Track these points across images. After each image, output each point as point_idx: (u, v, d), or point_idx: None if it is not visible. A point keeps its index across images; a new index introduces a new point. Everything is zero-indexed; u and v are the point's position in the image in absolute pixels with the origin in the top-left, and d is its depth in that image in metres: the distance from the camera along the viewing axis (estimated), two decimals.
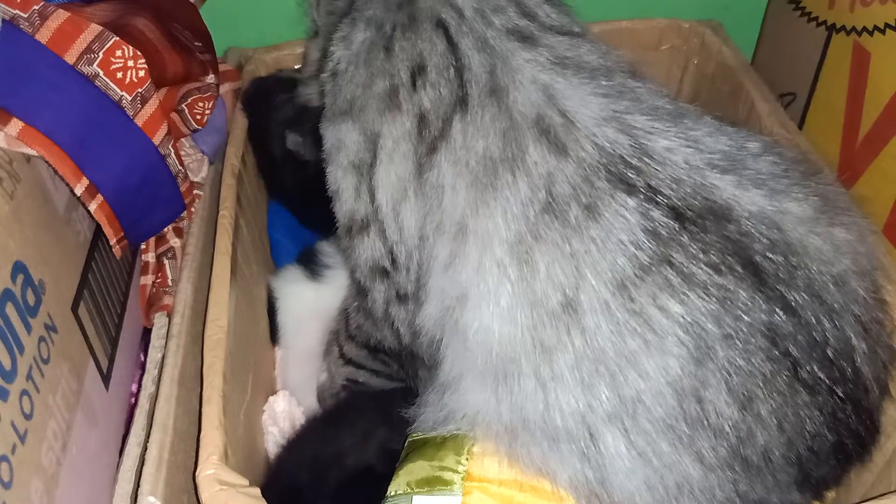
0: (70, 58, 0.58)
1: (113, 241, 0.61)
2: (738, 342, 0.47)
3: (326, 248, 0.84)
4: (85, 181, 0.58)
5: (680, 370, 0.47)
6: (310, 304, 0.82)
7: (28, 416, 0.48)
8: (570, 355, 0.49)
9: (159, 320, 0.68)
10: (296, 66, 0.92)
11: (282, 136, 0.85)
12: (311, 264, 0.84)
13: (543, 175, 0.51)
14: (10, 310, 0.48)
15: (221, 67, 0.84)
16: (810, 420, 0.49)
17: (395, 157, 0.57)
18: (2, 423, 0.45)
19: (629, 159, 0.50)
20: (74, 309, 0.58)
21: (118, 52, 0.59)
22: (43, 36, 0.57)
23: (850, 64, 0.80)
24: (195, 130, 0.77)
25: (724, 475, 0.49)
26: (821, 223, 0.50)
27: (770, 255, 0.48)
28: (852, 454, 0.52)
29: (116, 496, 0.57)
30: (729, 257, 0.47)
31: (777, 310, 0.47)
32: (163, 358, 0.63)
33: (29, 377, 0.49)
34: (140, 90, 0.61)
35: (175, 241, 0.72)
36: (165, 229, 0.72)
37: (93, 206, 0.59)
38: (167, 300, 0.69)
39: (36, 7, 0.56)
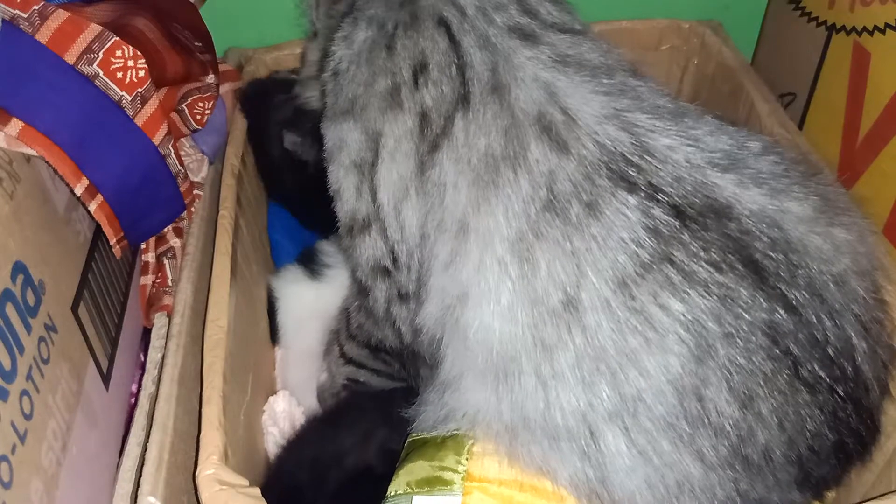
0: (70, 58, 0.58)
1: (113, 241, 0.61)
2: (738, 340, 0.47)
3: (327, 248, 0.84)
4: (85, 181, 0.58)
5: (681, 368, 0.47)
6: (310, 303, 0.82)
7: (28, 417, 0.48)
8: (570, 353, 0.49)
9: (159, 320, 0.68)
10: (295, 67, 0.91)
11: (280, 137, 0.85)
12: (311, 264, 0.84)
13: (545, 173, 0.51)
14: (10, 310, 0.48)
15: (221, 67, 0.84)
16: (811, 419, 0.49)
17: (396, 155, 0.57)
18: (2, 423, 0.45)
19: (630, 157, 0.50)
20: (74, 309, 0.58)
21: (118, 52, 0.59)
22: (43, 36, 0.57)
23: (850, 64, 0.80)
24: (195, 130, 0.76)
25: (725, 474, 0.49)
26: (821, 223, 0.51)
27: (771, 254, 0.48)
28: (853, 453, 0.52)
29: (116, 496, 0.57)
30: (730, 255, 0.48)
31: (778, 308, 0.47)
32: (163, 358, 0.63)
33: (29, 377, 0.49)
34: (140, 90, 0.61)
35: (175, 241, 0.72)
36: (165, 229, 0.72)
37: (93, 206, 0.59)
38: (167, 300, 0.69)
39: (36, 7, 0.56)
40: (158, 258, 0.72)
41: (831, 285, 0.49)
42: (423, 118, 0.55)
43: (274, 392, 0.79)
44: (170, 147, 0.65)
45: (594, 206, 0.49)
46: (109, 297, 0.66)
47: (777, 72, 0.94)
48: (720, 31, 0.98)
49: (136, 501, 0.54)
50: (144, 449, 0.57)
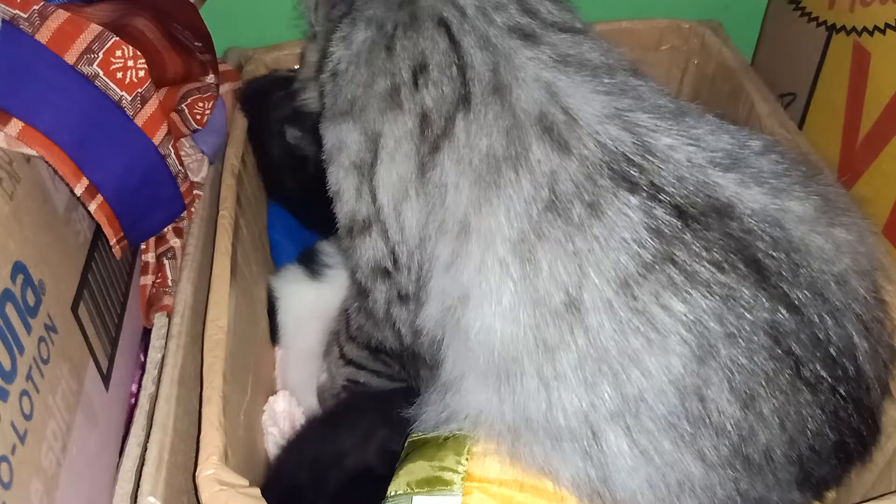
0: (70, 58, 0.57)
1: (113, 242, 0.61)
2: (740, 340, 0.47)
3: (327, 248, 0.84)
4: (85, 181, 0.58)
5: (682, 369, 0.47)
6: (310, 303, 0.82)
7: (28, 417, 0.48)
8: (573, 354, 0.49)
9: (159, 320, 0.68)
10: (295, 66, 0.91)
11: (281, 133, 0.84)
12: (311, 264, 0.84)
13: (546, 173, 0.51)
14: (9, 310, 0.48)
15: (221, 67, 0.84)
16: (812, 419, 0.49)
17: (396, 156, 0.57)
18: (2, 423, 0.45)
19: (632, 157, 0.50)
20: (74, 309, 0.58)
21: (118, 52, 0.59)
22: (43, 36, 0.57)
23: (851, 64, 0.80)
24: (195, 130, 0.76)
25: (726, 473, 0.49)
26: (822, 222, 0.51)
27: (772, 253, 0.48)
28: (853, 453, 0.52)
29: (116, 496, 0.57)
30: (731, 255, 0.47)
31: (780, 308, 0.47)
32: (163, 358, 0.63)
33: (29, 377, 0.49)
34: (140, 90, 0.61)
35: (175, 241, 0.72)
36: (165, 229, 0.72)
37: (93, 206, 0.59)
38: (167, 300, 0.69)
39: (36, 7, 0.56)
40: (158, 258, 0.72)
41: (833, 285, 0.49)
42: (424, 119, 0.55)
43: (274, 392, 0.79)
44: (170, 147, 0.65)
45: (596, 207, 0.49)
46: (109, 297, 0.66)
47: (777, 72, 0.95)
48: (720, 31, 0.98)
49: (136, 501, 0.54)
50: (144, 449, 0.57)
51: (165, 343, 0.64)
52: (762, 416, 0.48)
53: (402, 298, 0.61)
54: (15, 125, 0.54)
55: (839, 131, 0.82)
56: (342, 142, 0.61)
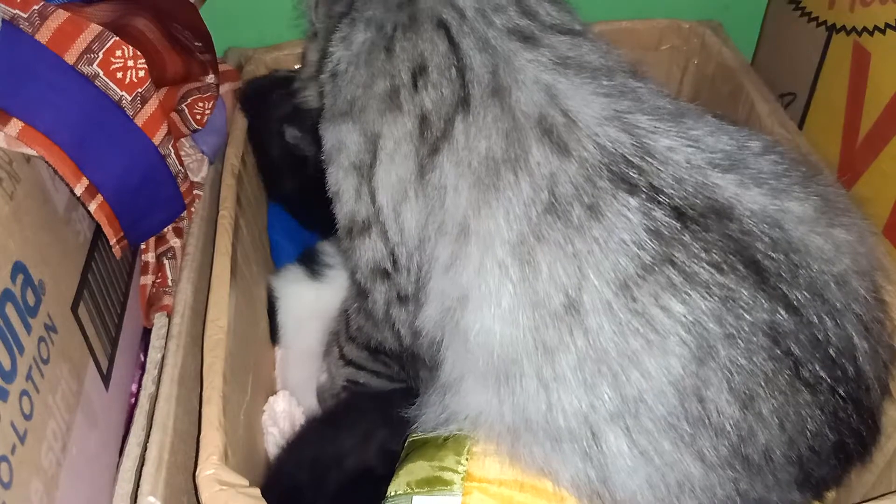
0: (70, 58, 0.57)
1: (113, 241, 0.61)
2: (739, 341, 0.47)
3: (327, 248, 0.84)
4: (85, 181, 0.58)
5: (682, 370, 0.47)
6: (310, 304, 0.82)
7: (28, 417, 0.48)
8: (572, 356, 0.49)
9: (159, 320, 0.68)
10: (295, 66, 0.91)
11: (280, 133, 0.84)
12: (311, 264, 0.84)
13: (546, 175, 0.51)
14: (9, 310, 0.48)
15: (221, 67, 0.84)
16: (811, 419, 0.49)
17: (395, 157, 0.57)
18: (2, 423, 0.45)
19: (631, 159, 0.50)
20: (74, 309, 0.58)
21: (118, 52, 0.59)
22: (43, 36, 0.57)
23: (850, 64, 0.80)
24: (195, 130, 0.76)
25: (725, 474, 0.49)
26: (821, 223, 0.51)
27: (772, 254, 0.48)
28: (853, 454, 0.52)
29: (116, 496, 0.57)
30: (731, 256, 0.48)
31: (779, 309, 0.47)
32: (163, 358, 0.63)
33: (29, 377, 0.49)
34: (140, 90, 0.61)
35: (175, 241, 0.72)
36: (165, 229, 0.72)
37: (93, 206, 0.59)
38: (167, 300, 0.69)
39: (36, 7, 0.56)
40: (158, 258, 0.72)
41: (832, 285, 0.49)
42: (423, 121, 0.55)
43: (274, 392, 0.79)
44: (170, 147, 0.65)
45: (595, 209, 0.49)
46: (109, 297, 0.66)
47: (777, 72, 0.95)
48: (720, 31, 0.98)
49: (136, 501, 0.54)
50: (144, 449, 0.57)
51: (165, 343, 0.65)
52: (761, 416, 0.48)
53: (402, 299, 0.61)
54: (15, 125, 0.54)
55: (839, 131, 0.82)
56: (342, 142, 0.61)
